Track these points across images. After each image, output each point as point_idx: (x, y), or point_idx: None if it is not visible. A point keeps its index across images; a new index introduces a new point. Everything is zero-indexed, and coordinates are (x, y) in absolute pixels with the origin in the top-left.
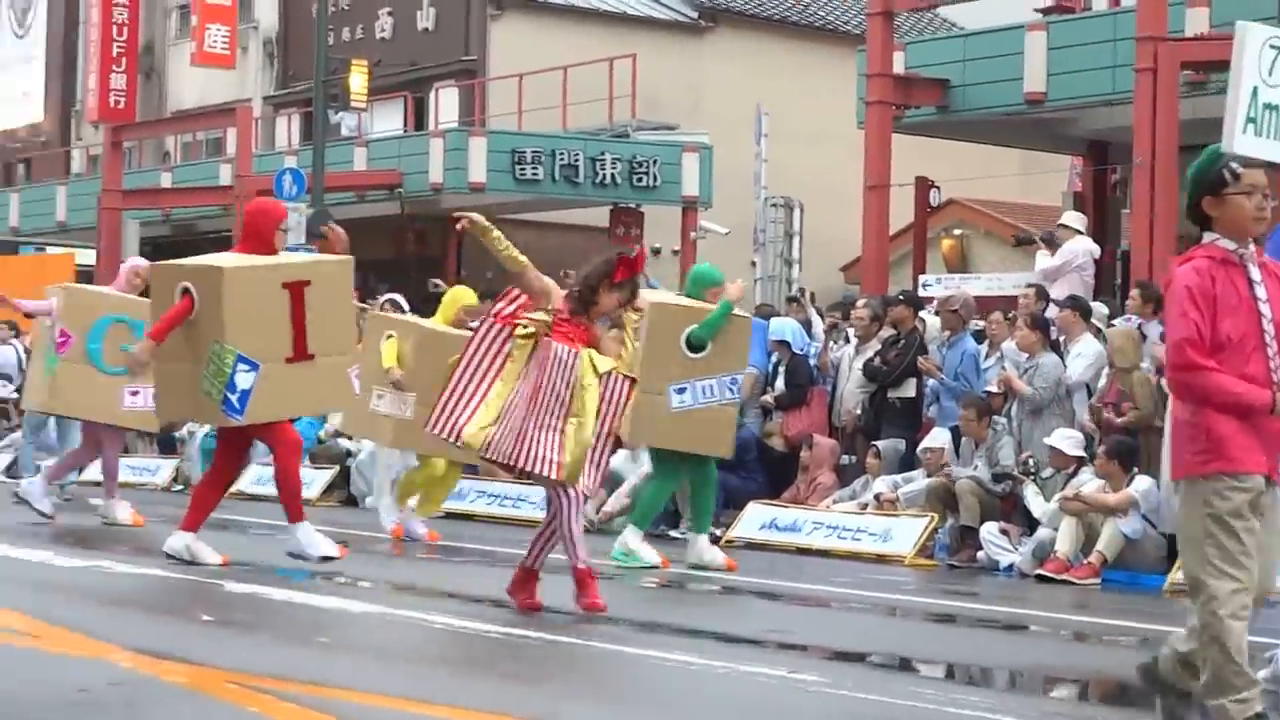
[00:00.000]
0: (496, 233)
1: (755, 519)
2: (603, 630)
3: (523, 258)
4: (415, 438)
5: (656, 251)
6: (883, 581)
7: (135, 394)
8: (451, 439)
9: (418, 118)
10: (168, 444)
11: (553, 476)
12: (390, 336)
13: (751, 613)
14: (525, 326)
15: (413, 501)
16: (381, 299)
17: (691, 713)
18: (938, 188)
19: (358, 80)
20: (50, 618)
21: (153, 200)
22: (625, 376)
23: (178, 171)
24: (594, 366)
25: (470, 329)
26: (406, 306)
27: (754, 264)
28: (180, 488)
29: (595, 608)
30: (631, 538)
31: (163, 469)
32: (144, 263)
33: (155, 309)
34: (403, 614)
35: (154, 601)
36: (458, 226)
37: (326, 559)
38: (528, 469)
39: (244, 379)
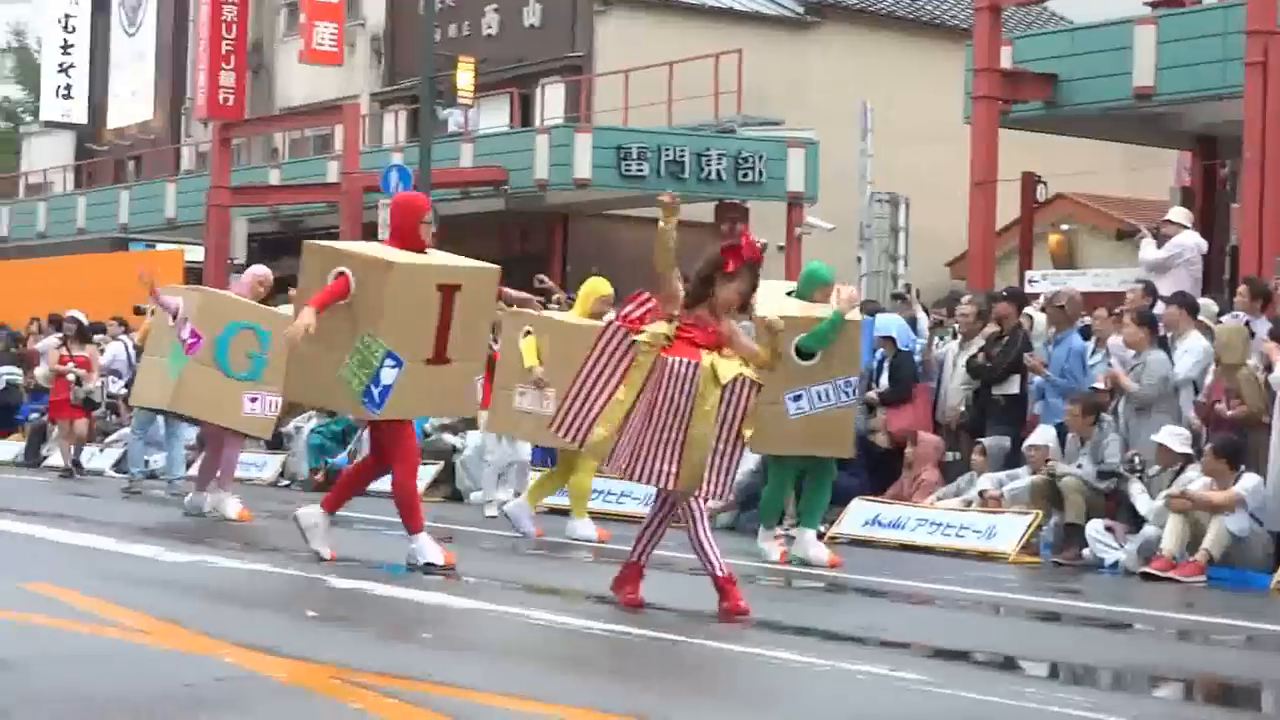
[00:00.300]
0: (674, 224)
1: (859, 515)
2: (705, 628)
3: (673, 259)
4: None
5: (763, 247)
6: (986, 579)
7: (254, 400)
8: (575, 443)
9: (524, 114)
10: (274, 439)
11: (668, 487)
12: (529, 333)
13: (854, 610)
14: (648, 343)
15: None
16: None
17: (793, 711)
18: (1044, 183)
19: (464, 77)
20: (157, 613)
21: (260, 197)
22: (749, 380)
23: (285, 168)
24: (716, 376)
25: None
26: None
27: (859, 260)
28: (286, 483)
29: (739, 611)
30: (764, 538)
31: (269, 464)
32: (267, 271)
33: (303, 286)
34: (505, 610)
35: (258, 597)
36: (663, 197)
37: (430, 566)
38: (643, 482)
39: (389, 374)
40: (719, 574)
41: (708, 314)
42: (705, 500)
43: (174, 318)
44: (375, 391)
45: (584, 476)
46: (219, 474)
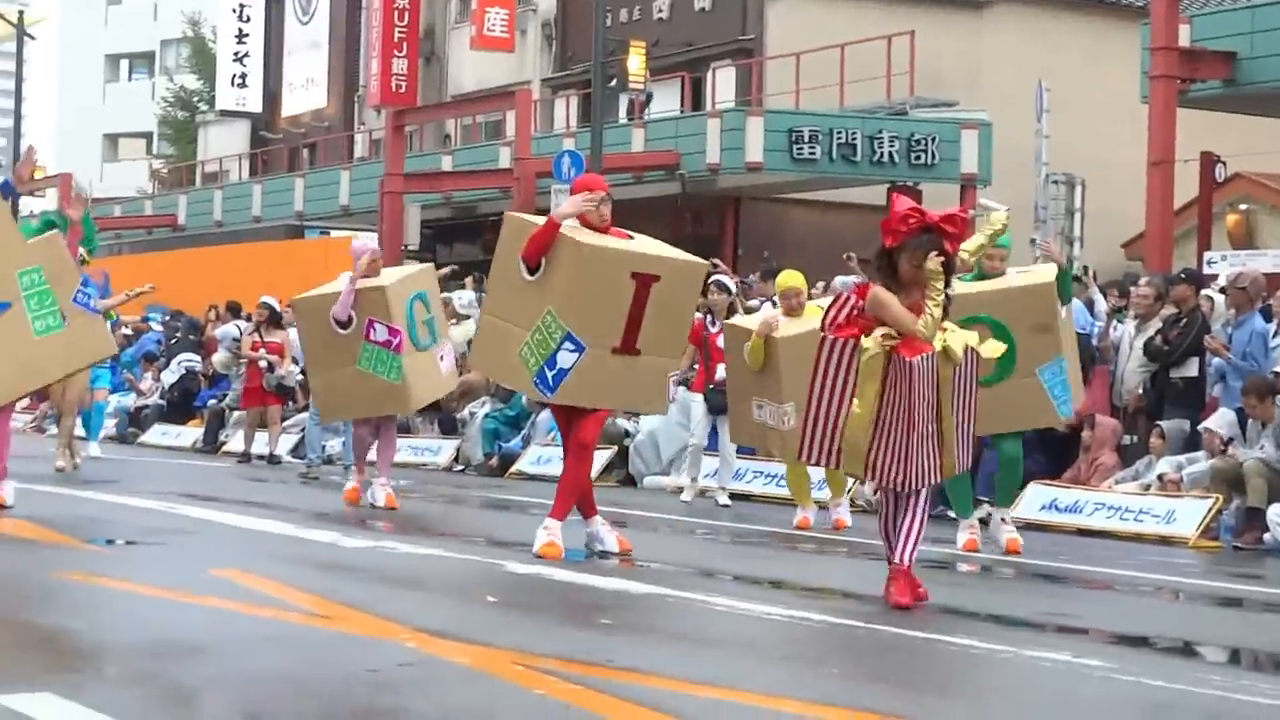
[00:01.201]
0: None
1: (1036, 499)
2: (885, 614)
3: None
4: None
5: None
6: (1166, 564)
7: (443, 358)
8: (830, 465)
9: (695, 98)
10: (449, 424)
11: (940, 480)
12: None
13: (1033, 595)
14: (869, 348)
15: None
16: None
17: (981, 698)
18: (1223, 162)
19: (635, 61)
20: (338, 598)
21: (433, 184)
22: (974, 351)
23: (458, 155)
24: (950, 359)
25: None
26: (733, 287)
27: (1034, 242)
28: (461, 468)
29: (898, 605)
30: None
31: (444, 449)
32: (375, 245)
33: (500, 255)
34: (684, 595)
35: (437, 582)
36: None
37: (605, 554)
38: (916, 487)
39: (566, 358)
40: (897, 563)
41: (917, 299)
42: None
43: (343, 327)
44: (550, 374)
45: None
46: (378, 461)
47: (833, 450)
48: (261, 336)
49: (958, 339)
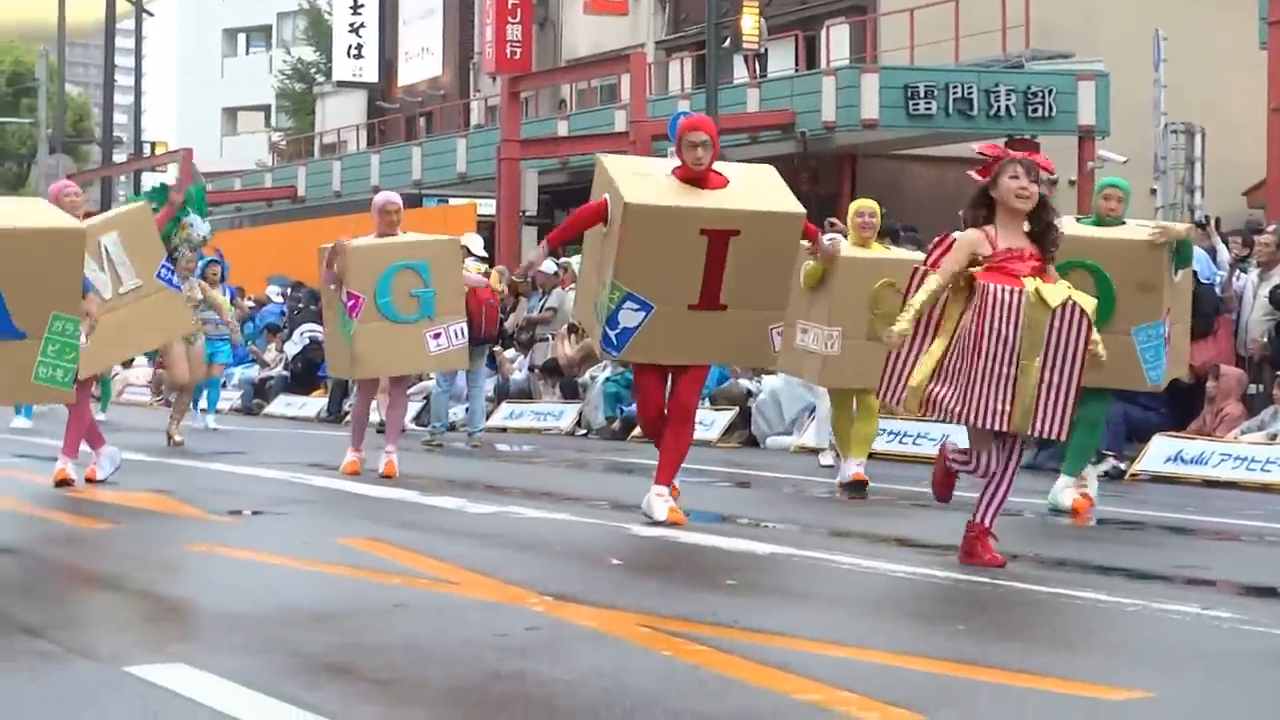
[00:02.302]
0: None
1: (1161, 452)
2: (1009, 570)
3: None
4: (843, 374)
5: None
6: None
7: (438, 337)
8: (897, 403)
9: (809, 56)
10: (570, 389)
11: (1002, 428)
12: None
13: (1160, 547)
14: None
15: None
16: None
17: (1111, 651)
18: None
19: (749, 21)
20: (465, 563)
21: (550, 149)
22: (1080, 308)
23: (573, 119)
24: (1043, 301)
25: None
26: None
27: (1154, 192)
28: (583, 432)
29: (994, 563)
30: (1063, 485)
31: (566, 413)
32: (393, 196)
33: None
34: (809, 555)
35: (563, 546)
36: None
37: (656, 523)
38: (976, 423)
39: (629, 316)
40: (978, 521)
41: (1018, 238)
42: (1042, 436)
43: (335, 285)
44: (612, 333)
45: (866, 424)
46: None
47: (901, 387)
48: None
49: (1055, 291)
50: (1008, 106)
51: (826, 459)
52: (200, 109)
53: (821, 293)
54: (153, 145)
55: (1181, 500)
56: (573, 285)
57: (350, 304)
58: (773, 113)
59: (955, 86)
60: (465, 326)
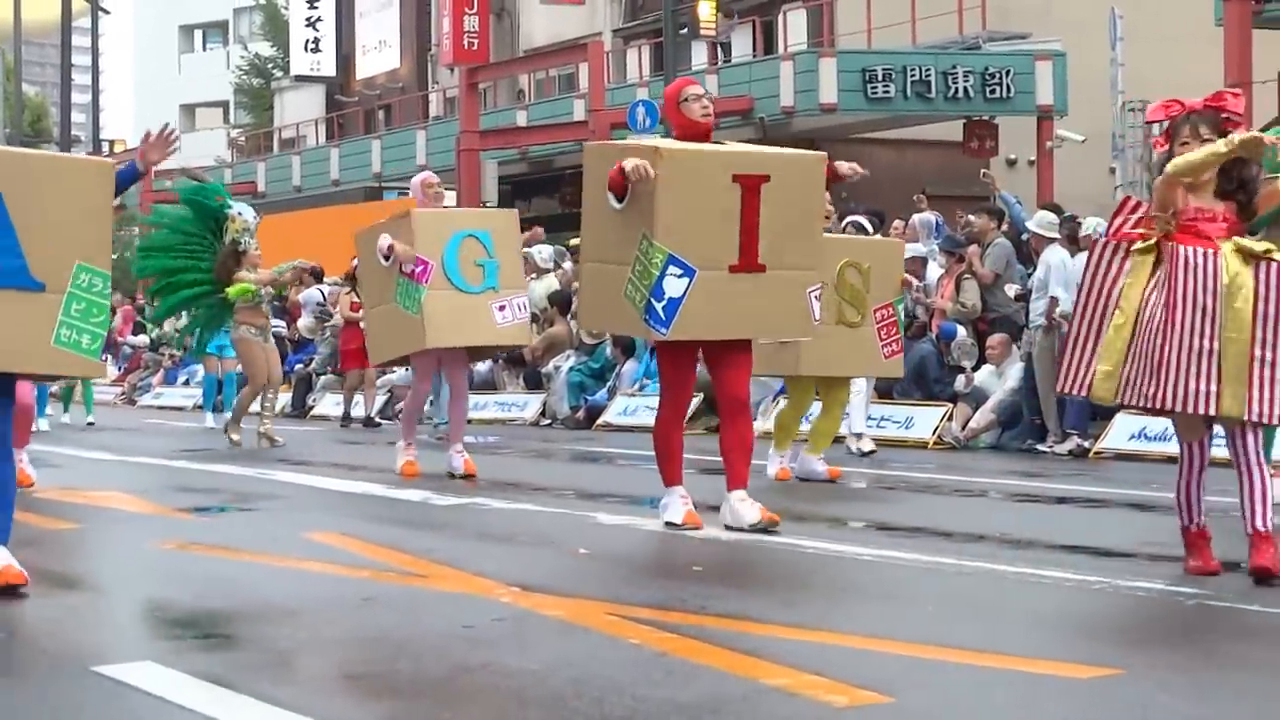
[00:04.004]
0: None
1: (1125, 429)
2: (975, 550)
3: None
4: (818, 360)
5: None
6: None
7: (503, 309)
8: (1083, 392)
9: (766, 41)
10: (534, 379)
11: (1208, 412)
12: None
13: (1125, 525)
14: (1143, 241)
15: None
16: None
17: (1074, 629)
18: None
19: (705, 8)
20: (432, 556)
21: (509, 139)
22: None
23: (532, 109)
24: (1245, 261)
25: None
26: (870, 228)
27: (1113, 170)
28: (548, 422)
29: (1200, 571)
30: None
31: (530, 404)
32: (431, 173)
33: (588, 192)
34: (774, 541)
35: (530, 537)
36: None
37: (670, 525)
38: (1176, 408)
39: (674, 285)
40: (1259, 529)
41: (1209, 194)
42: (1261, 421)
43: (385, 258)
44: (659, 306)
45: (830, 419)
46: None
47: (1085, 375)
48: (360, 298)
49: (1257, 249)
50: (966, 88)
51: (866, 445)
52: (158, 106)
53: None
54: (111, 143)
55: (1145, 477)
56: (534, 275)
57: (419, 269)
58: (732, 99)
59: (913, 69)
60: (527, 300)
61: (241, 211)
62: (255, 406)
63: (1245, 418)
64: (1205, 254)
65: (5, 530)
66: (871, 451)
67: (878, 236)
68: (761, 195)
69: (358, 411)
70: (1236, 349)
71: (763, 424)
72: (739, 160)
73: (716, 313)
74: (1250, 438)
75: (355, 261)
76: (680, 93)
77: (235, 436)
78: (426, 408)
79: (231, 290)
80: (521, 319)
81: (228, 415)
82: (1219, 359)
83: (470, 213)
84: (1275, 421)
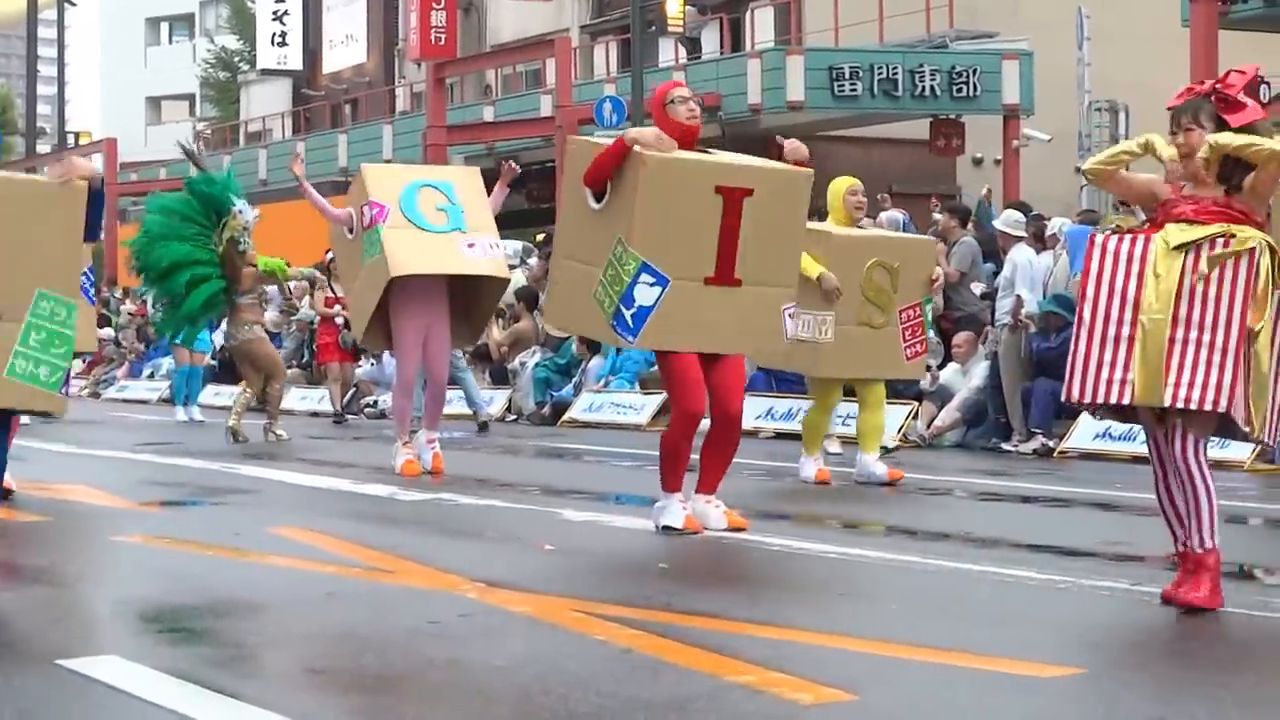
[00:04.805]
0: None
1: (1089, 429)
2: (940, 548)
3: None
4: (838, 363)
5: (978, 161)
6: (1223, 489)
7: (472, 246)
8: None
9: (734, 39)
10: (500, 375)
11: (1122, 400)
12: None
13: (1090, 525)
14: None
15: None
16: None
17: (1038, 628)
18: (1267, 83)
19: (673, 5)
20: (398, 552)
21: (476, 134)
22: None
23: (499, 105)
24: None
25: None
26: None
27: (1079, 170)
28: (513, 418)
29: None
30: None
31: (496, 399)
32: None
33: (568, 188)
34: (740, 538)
35: (496, 533)
36: None
37: (668, 529)
38: (1083, 401)
39: (645, 293)
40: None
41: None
42: (1186, 407)
43: (350, 231)
44: (627, 314)
45: (873, 414)
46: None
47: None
48: (335, 292)
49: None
50: (933, 86)
51: (888, 442)
52: (124, 98)
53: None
54: (76, 135)
55: (1110, 477)
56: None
57: (376, 211)
58: (699, 95)
59: (880, 67)
60: (499, 241)
61: (242, 210)
62: (231, 402)
63: (1165, 405)
64: (1135, 239)
65: None
66: (894, 449)
67: (909, 234)
68: (744, 209)
69: (324, 406)
70: (1154, 331)
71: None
72: (723, 173)
73: (687, 324)
74: (1180, 439)
75: (329, 255)
76: (667, 94)
77: (281, 432)
78: (385, 403)
79: (262, 260)
80: (495, 254)
81: (196, 409)
82: (1134, 345)
83: (427, 168)
84: (1206, 407)
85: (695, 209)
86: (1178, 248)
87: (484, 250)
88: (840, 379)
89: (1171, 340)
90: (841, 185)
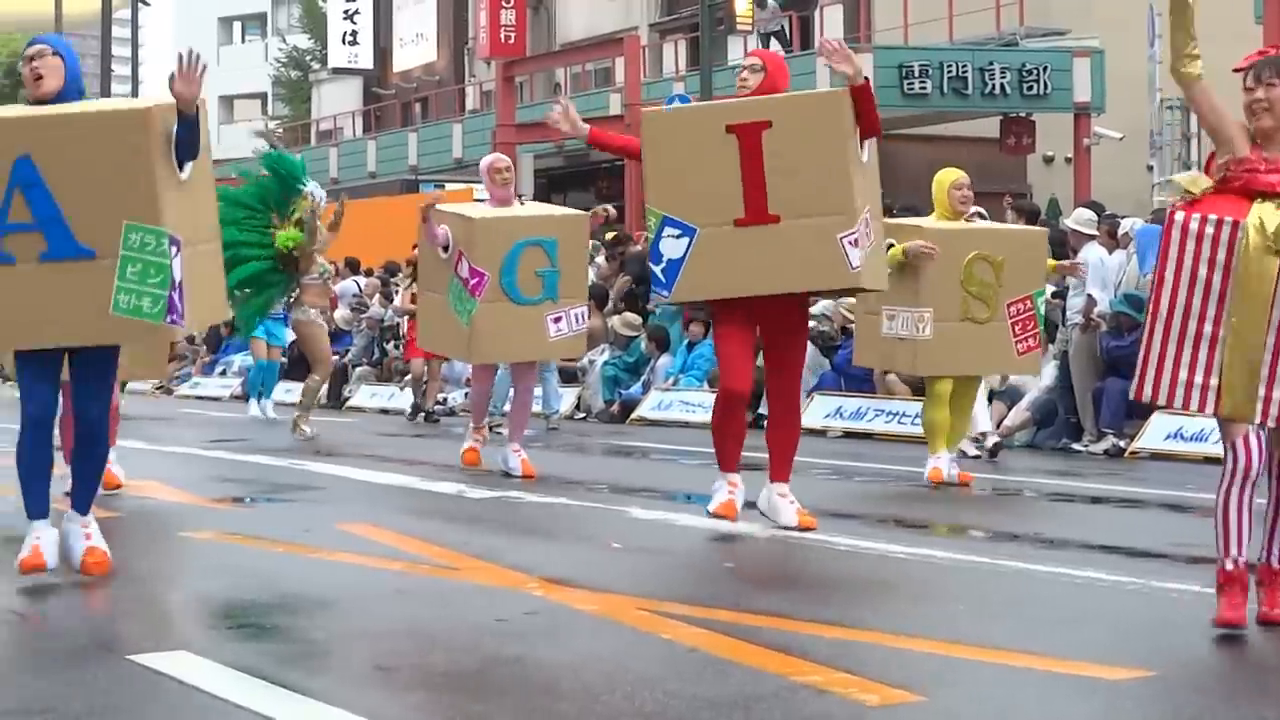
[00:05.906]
0: None
1: (1161, 429)
2: (1008, 549)
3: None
4: (939, 361)
5: (1049, 159)
6: None
7: (558, 320)
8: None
9: (803, 37)
10: (569, 373)
11: (1205, 411)
12: (890, 245)
13: (1161, 526)
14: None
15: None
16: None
17: (1106, 630)
18: None
19: (742, 3)
20: (465, 549)
21: (545, 133)
22: None
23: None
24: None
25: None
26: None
27: (1150, 168)
28: (582, 416)
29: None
30: None
31: (565, 398)
32: (502, 155)
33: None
34: (807, 537)
35: (563, 531)
36: None
37: (709, 512)
38: (1157, 401)
39: (672, 246)
40: (1223, 563)
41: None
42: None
43: (444, 250)
44: (657, 270)
45: (959, 418)
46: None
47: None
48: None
49: None
50: (1003, 85)
51: (989, 441)
52: None
53: (907, 271)
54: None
55: (1182, 478)
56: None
57: (474, 281)
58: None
59: (950, 65)
60: (586, 311)
61: (314, 191)
62: (284, 396)
63: (1256, 420)
64: (1220, 223)
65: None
66: (994, 446)
67: (1014, 226)
68: (764, 142)
69: (394, 404)
70: (1246, 334)
71: (1018, 417)
72: (733, 111)
73: (725, 270)
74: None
75: (416, 249)
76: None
77: (307, 429)
78: (459, 399)
79: (280, 236)
80: (578, 330)
81: (270, 404)
82: (1219, 348)
83: (537, 218)
84: None
85: (709, 153)
86: (1276, 234)
87: (569, 324)
88: (946, 376)
89: (1269, 348)
90: (946, 178)
